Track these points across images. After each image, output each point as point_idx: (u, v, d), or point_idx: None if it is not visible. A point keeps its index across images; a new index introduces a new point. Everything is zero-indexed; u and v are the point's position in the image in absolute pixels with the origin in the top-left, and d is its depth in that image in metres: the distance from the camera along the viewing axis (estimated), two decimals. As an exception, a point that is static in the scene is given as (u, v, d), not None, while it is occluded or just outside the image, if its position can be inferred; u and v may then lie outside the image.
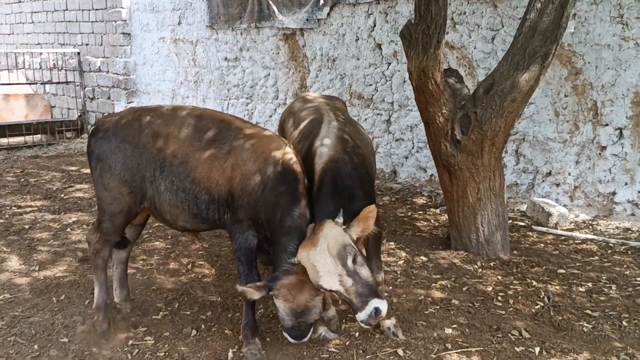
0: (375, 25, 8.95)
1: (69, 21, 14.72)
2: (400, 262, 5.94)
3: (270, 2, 10.17)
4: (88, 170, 9.62)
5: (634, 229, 6.71)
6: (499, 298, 5.10)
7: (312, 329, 4.14)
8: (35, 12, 15.84)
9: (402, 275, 5.64)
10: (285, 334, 4.10)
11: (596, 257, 5.97)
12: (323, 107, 5.19)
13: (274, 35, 10.38)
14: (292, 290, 3.93)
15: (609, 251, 6.12)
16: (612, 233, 6.66)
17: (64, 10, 14.75)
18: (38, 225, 7.24)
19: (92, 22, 14.01)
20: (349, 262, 3.69)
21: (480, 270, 5.70)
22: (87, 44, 14.30)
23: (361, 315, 3.67)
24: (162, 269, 5.90)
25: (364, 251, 4.40)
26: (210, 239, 6.71)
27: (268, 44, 10.53)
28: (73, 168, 10.45)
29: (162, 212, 4.50)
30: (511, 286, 5.32)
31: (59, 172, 10.10)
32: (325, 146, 4.39)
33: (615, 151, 6.98)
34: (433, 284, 5.42)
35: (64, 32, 14.95)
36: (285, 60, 10.39)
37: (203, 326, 4.70)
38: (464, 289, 5.31)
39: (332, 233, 3.77)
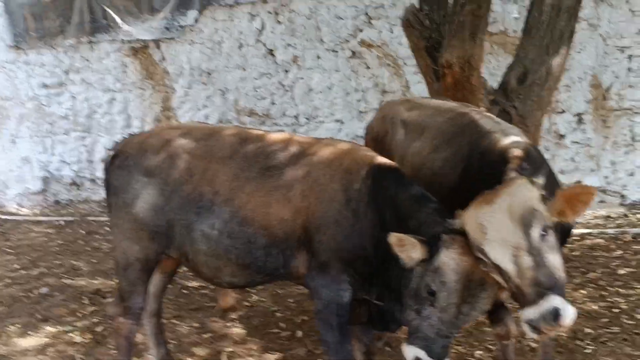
0: (263, 28, 7.65)
1: None
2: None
3: (108, 10, 8.26)
4: None
5: None
6: None
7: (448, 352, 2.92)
8: None
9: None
10: (411, 344, 2.88)
11: None
12: (455, 106, 3.89)
13: (117, 50, 8.44)
14: (467, 247, 2.77)
15: None
16: None
17: None
18: None
19: None
20: (535, 233, 2.54)
21: None
22: None
23: (531, 312, 2.46)
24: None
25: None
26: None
27: (108, 61, 8.53)
28: None
29: (198, 264, 3.53)
30: None
31: None
32: (510, 135, 3.22)
33: None
34: None
35: None
36: (136, 80, 8.49)
37: None
38: None
39: (521, 192, 2.64)
